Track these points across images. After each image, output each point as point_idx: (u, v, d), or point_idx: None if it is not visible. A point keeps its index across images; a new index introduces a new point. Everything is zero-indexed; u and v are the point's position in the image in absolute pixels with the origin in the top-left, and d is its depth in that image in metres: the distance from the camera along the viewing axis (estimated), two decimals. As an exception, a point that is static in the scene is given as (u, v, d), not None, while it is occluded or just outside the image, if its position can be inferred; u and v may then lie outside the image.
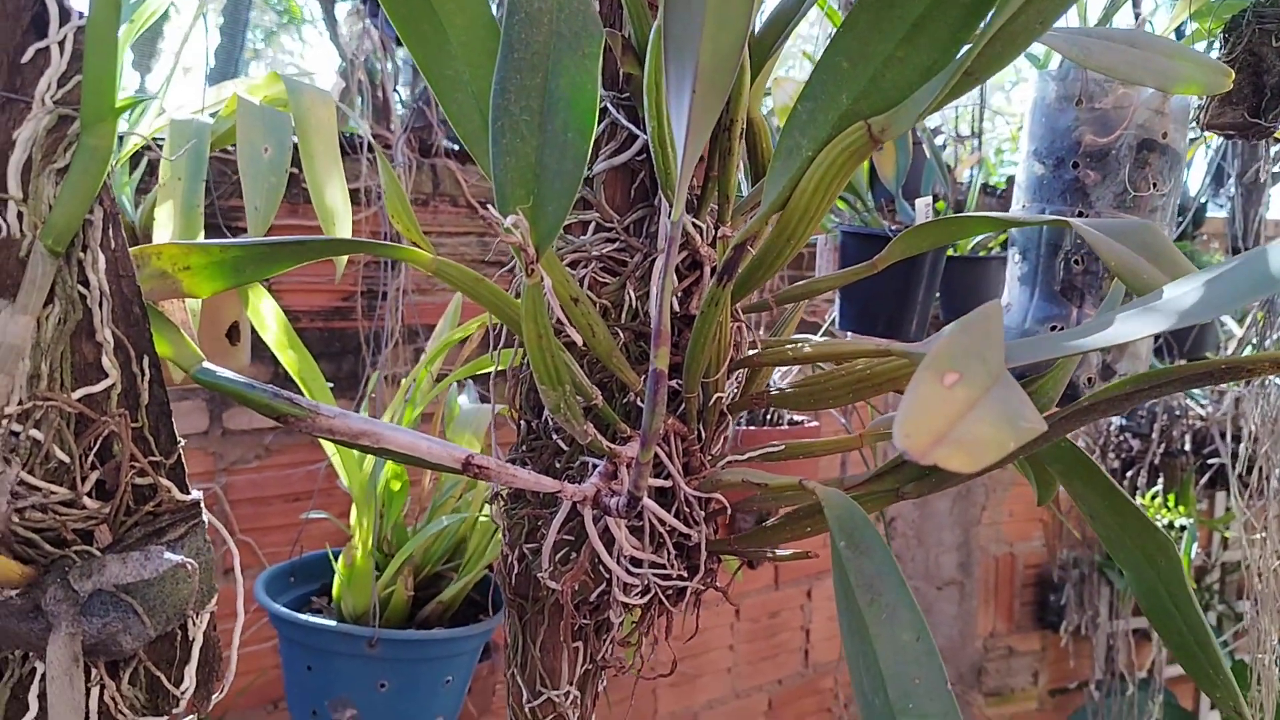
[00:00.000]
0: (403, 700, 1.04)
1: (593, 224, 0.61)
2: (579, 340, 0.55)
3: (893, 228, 1.25)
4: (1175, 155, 0.97)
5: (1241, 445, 1.51)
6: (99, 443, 0.45)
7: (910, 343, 1.04)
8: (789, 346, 0.59)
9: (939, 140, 1.84)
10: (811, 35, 1.93)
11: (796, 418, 1.06)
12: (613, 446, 0.54)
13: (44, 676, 0.45)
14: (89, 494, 0.44)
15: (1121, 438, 2.25)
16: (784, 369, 0.74)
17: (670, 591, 0.59)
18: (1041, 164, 1.00)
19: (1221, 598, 2.78)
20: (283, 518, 1.55)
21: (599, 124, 0.55)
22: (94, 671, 0.45)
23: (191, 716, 0.48)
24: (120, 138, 0.93)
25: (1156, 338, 1.79)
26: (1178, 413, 2.23)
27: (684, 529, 0.57)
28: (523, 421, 0.64)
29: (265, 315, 0.99)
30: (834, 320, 1.38)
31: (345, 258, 1.16)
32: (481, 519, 1.15)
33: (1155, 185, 0.96)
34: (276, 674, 1.56)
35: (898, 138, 1.19)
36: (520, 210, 0.45)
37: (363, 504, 1.07)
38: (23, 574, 0.43)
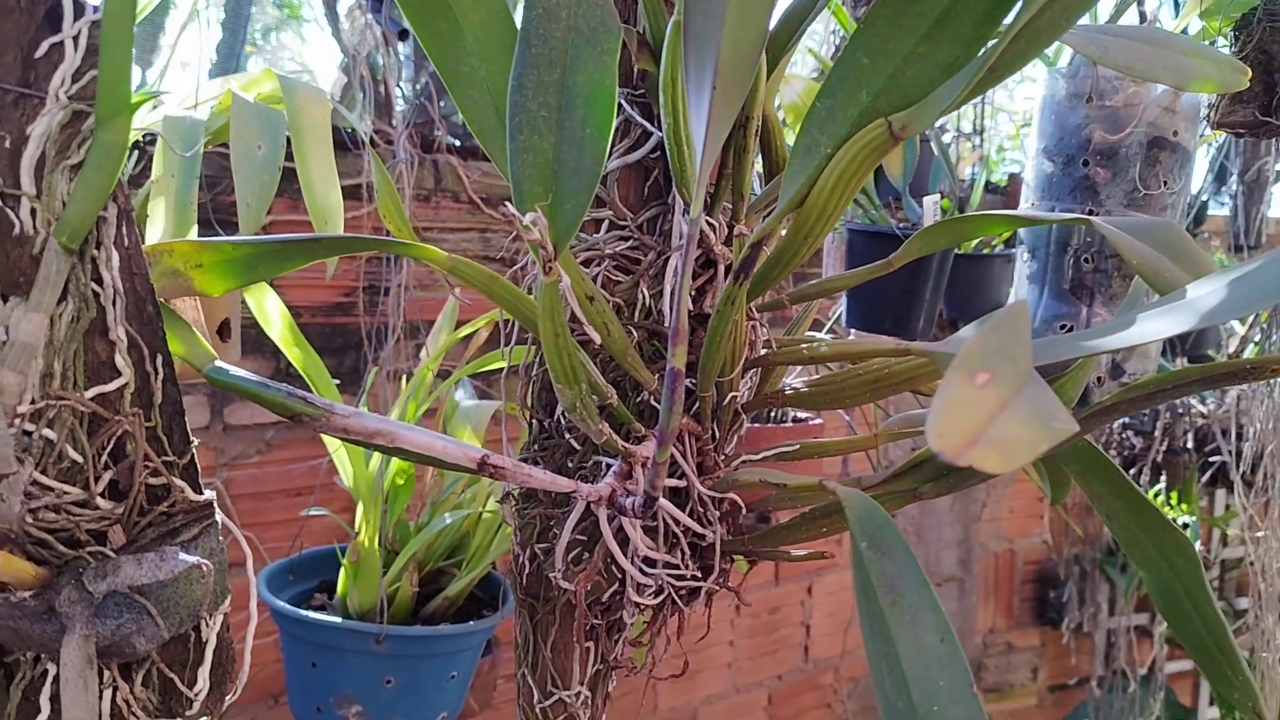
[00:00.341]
0: (408, 696, 1.04)
1: (606, 222, 0.60)
2: (594, 339, 0.54)
3: (900, 225, 1.25)
4: (1185, 153, 0.97)
5: (1245, 444, 1.51)
6: (112, 442, 0.44)
7: (917, 340, 1.04)
8: (804, 345, 0.59)
9: (944, 138, 1.84)
10: (815, 31, 1.92)
11: (801, 415, 1.05)
12: (628, 446, 0.54)
13: (56, 678, 0.45)
14: (102, 494, 0.44)
15: (1124, 435, 2.25)
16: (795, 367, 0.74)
17: (683, 591, 0.59)
18: (1051, 162, 1.00)
19: (1221, 594, 2.78)
20: (283, 513, 1.55)
21: (613, 120, 0.54)
22: (107, 673, 0.45)
23: (205, 718, 0.48)
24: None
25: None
26: (1180, 410, 2.23)
27: (699, 529, 0.57)
28: (534, 420, 0.63)
29: (270, 312, 0.99)
30: (838, 317, 1.37)
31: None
32: (485, 515, 1.15)
33: (1166, 183, 0.96)
34: (277, 669, 1.56)
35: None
36: (539, 207, 0.45)
37: (368, 500, 1.07)
38: (36, 575, 0.42)
